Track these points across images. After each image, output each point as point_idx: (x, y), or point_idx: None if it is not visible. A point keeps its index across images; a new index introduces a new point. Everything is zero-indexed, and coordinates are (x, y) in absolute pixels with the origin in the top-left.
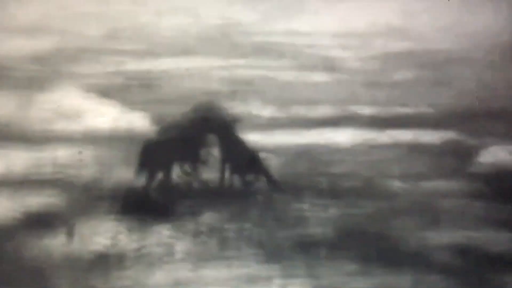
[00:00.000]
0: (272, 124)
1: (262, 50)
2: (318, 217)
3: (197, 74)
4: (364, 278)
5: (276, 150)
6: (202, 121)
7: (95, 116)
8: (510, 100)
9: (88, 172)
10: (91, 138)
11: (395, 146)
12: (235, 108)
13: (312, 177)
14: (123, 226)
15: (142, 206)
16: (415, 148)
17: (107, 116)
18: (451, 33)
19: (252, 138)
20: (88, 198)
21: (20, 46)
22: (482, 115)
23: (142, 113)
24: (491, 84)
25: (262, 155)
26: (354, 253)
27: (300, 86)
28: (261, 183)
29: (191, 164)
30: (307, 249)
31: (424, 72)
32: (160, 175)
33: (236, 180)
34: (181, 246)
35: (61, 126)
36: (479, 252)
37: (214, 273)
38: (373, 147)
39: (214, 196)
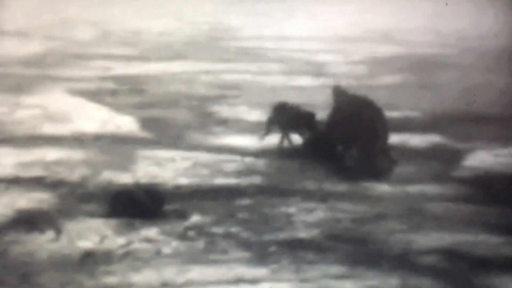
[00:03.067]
0: (259, 128)
1: (250, 54)
2: (306, 220)
3: (185, 78)
4: (351, 280)
5: (263, 153)
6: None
7: (83, 119)
8: (496, 104)
9: (76, 174)
10: (79, 141)
11: None
12: (223, 112)
13: (300, 180)
14: (110, 227)
15: (130, 207)
16: (402, 152)
17: (95, 120)
18: (439, 38)
19: (239, 141)
20: (76, 199)
21: (10, 50)
22: (468, 119)
23: (130, 117)
24: (477, 88)
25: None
26: (341, 256)
27: (287, 91)
28: None
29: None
30: (294, 252)
31: (412, 76)
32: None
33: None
34: (169, 248)
35: (50, 128)
36: (466, 255)
37: (201, 275)
38: None
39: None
